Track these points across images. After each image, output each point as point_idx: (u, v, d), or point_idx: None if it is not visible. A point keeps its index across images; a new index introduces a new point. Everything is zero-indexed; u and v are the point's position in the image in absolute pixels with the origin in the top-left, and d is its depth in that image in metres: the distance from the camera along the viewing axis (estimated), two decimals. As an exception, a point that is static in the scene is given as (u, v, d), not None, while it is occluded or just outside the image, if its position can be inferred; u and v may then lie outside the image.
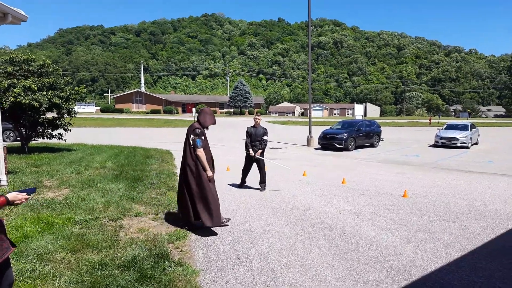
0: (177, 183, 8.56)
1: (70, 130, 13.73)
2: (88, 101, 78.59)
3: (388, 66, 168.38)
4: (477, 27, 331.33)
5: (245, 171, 8.35)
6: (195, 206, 5.03)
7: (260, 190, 7.96)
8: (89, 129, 30.12)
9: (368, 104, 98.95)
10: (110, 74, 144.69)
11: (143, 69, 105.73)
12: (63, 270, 3.70)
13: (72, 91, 12.79)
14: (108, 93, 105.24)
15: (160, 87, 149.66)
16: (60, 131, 13.51)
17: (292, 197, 7.46)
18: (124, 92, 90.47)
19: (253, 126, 8.07)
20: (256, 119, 8.02)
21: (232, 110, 74.60)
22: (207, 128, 5.26)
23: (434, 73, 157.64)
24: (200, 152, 5.00)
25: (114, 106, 71.96)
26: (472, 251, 4.63)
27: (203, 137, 5.09)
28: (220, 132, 30.03)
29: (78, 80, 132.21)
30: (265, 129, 8.02)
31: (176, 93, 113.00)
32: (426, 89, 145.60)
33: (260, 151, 7.91)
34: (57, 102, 11.97)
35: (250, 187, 8.31)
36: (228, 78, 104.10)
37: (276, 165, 12.12)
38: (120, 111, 66.99)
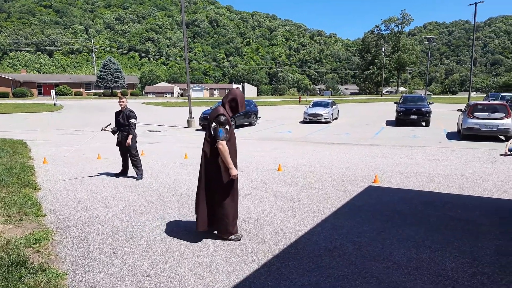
0: (34, 178, 7.42)
1: None
2: None
3: (262, 47, 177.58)
4: (336, 13, 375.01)
5: (123, 159, 7.75)
6: (213, 212, 4.23)
7: (136, 179, 7.45)
8: None
9: (246, 84, 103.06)
10: None
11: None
12: None
13: None
14: None
15: (7, 65, 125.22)
16: None
17: (173, 182, 7.26)
18: (-44, 70, 72.90)
19: (119, 111, 7.47)
20: (121, 102, 7.36)
21: (102, 91, 67.74)
22: (237, 113, 4.25)
23: (301, 54, 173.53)
24: (222, 146, 3.95)
25: None
26: (334, 212, 5.32)
27: (227, 127, 4.03)
28: (88, 116, 27.13)
29: None
30: (132, 111, 7.44)
31: (28, 72, 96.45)
32: (295, 70, 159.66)
33: (130, 136, 7.36)
34: None
35: (128, 176, 7.74)
36: (93, 55, 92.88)
37: (155, 150, 11.66)
38: (-48, 94, 54.08)
